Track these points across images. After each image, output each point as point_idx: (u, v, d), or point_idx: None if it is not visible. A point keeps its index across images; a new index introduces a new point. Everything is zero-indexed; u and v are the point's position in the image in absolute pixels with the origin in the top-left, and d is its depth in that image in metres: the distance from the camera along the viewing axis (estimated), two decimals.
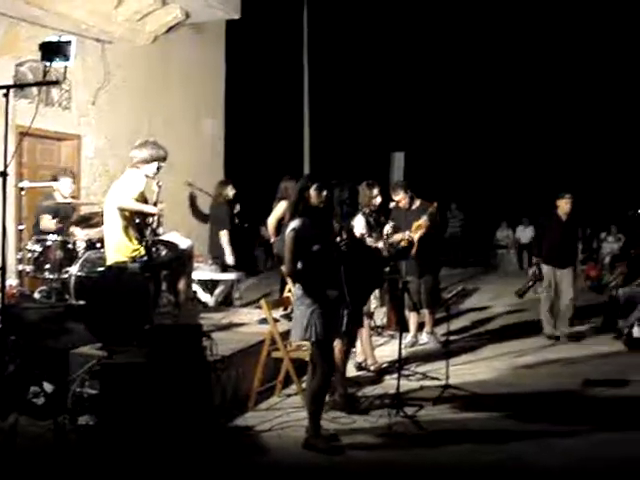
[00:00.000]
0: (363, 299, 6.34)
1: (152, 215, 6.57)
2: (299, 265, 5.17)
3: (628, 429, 5.75)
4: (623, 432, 5.67)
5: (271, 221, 8.94)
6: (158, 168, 6.58)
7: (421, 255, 8.68)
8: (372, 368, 7.49)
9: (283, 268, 8.41)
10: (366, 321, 7.37)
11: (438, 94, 24.68)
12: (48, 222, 7.66)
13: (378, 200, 8.29)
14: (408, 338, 8.88)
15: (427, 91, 24.59)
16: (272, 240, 9.60)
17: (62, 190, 7.87)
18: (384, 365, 7.64)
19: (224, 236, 9.76)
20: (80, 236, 7.69)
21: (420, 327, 9.20)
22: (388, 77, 24.50)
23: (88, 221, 7.66)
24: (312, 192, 5.29)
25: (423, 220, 8.66)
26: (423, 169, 15.05)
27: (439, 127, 24.84)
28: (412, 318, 9.03)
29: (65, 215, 7.90)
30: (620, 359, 8.16)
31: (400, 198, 8.93)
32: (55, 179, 7.98)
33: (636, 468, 4.95)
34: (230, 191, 10.04)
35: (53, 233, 7.50)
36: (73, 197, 8.22)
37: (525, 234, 21.54)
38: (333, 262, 5.28)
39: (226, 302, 9.73)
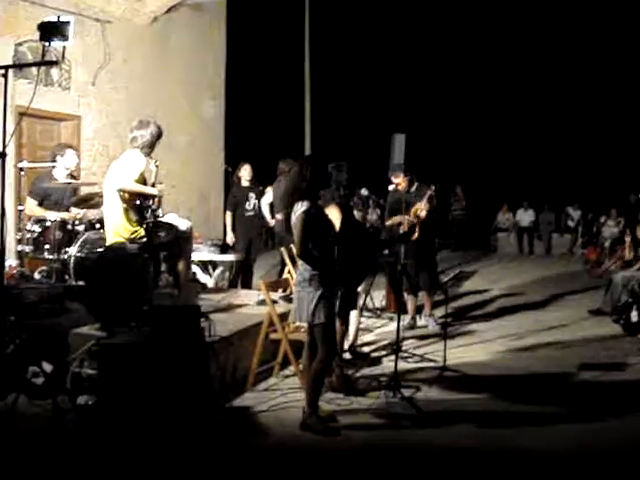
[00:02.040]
0: (357, 281, 6.39)
1: (153, 197, 6.57)
2: (309, 246, 5.20)
3: (625, 414, 5.78)
4: (621, 417, 5.70)
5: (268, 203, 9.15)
6: (155, 145, 6.59)
7: (419, 238, 8.69)
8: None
9: (282, 249, 8.48)
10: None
11: (440, 77, 24.63)
12: (33, 207, 7.60)
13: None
14: (406, 320, 8.90)
15: (429, 74, 24.53)
16: (270, 221, 9.74)
17: (67, 163, 7.79)
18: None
19: (227, 217, 10.04)
20: (78, 215, 7.68)
21: (419, 310, 9.23)
22: (390, 58, 24.43)
23: (87, 202, 7.65)
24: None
25: (423, 204, 8.66)
26: (425, 151, 15.02)
27: (441, 109, 24.77)
28: (410, 300, 9.05)
29: (61, 197, 7.82)
30: (618, 343, 8.19)
31: (399, 181, 8.92)
32: (54, 157, 7.88)
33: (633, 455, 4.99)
34: (243, 172, 10.15)
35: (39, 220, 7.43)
36: (73, 177, 8.13)
37: (525, 217, 21.59)
38: (333, 244, 5.34)
39: (232, 284, 9.79)
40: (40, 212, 7.51)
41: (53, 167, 7.79)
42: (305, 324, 5.41)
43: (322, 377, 5.38)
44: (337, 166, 6.39)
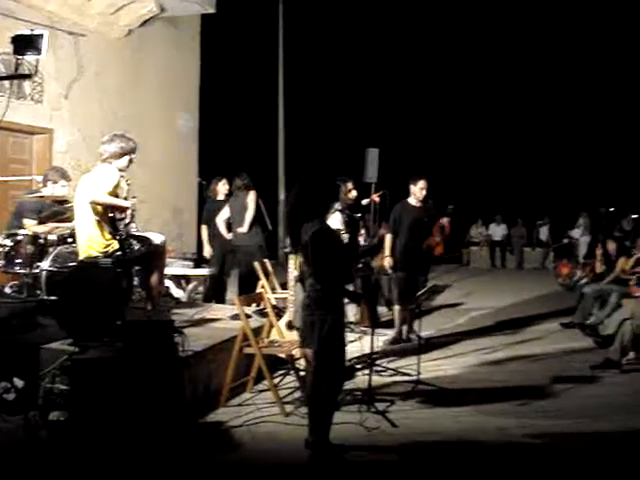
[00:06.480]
0: None
1: (125, 209, 6.53)
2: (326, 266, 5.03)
3: (597, 425, 5.84)
4: (594, 428, 5.76)
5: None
6: (130, 160, 6.54)
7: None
8: None
9: (256, 264, 8.49)
10: None
11: (414, 92, 24.81)
12: (35, 228, 7.52)
13: (354, 194, 8.56)
14: (391, 334, 8.93)
15: (403, 89, 24.70)
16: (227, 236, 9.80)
17: (56, 192, 7.68)
18: None
19: (202, 230, 10.14)
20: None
21: (391, 324, 9.25)
22: (364, 72, 24.57)
23: (59, 215, 7.58)
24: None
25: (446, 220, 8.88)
26: (398, 166, 15.10)
27: (414, 123, 24.95)
28: (396, 313, 9.03)
29: (49, 211, 7.75)
30: (589, 356, 8.24)
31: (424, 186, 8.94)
32: (46, 181, 7.74)
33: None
34: (221, 187, 10.24)
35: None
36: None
37: (498, 231, 21.74)
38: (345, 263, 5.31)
39: (205, 299, 9.77)
40: (42, 229, 7.43)
41: (44, 186, 7.67)
42: (278, 338, 5.34)
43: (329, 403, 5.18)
44: None
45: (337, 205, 7.48)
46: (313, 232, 4.98)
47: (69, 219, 7.31)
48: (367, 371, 6.48)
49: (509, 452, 5.26)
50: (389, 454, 5.23)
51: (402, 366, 7.53)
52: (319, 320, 4.97)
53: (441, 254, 8.98)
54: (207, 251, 10.16)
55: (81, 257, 6.46)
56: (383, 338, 8.74)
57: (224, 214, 9.87)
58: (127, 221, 6.58)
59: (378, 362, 7.50)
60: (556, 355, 8.45)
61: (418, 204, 8.96)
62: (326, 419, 5.08)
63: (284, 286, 8.21)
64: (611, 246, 10.55)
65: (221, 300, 9.83)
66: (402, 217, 8.94)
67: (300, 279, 6.01)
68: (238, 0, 16.86)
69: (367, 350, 6.74)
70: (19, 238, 7.19)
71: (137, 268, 6.90)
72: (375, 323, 7.87)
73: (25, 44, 5.55)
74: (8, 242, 7.20)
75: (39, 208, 7.58)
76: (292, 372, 6.76)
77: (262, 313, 7.30)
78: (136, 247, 6.63)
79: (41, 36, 5.56)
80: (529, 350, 8.68)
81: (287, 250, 7.21)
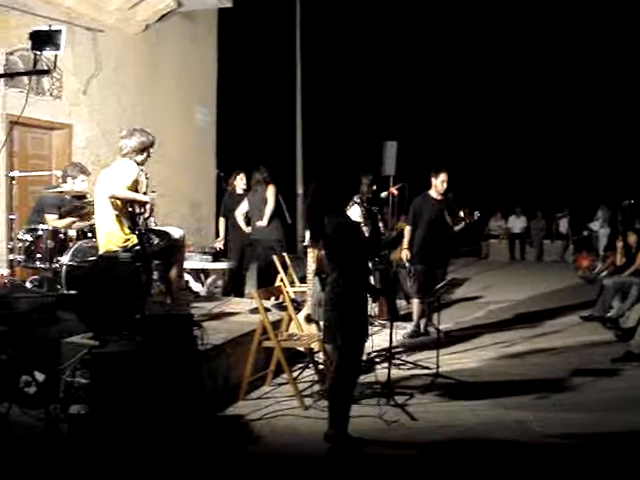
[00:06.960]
0: None
1: (145, 204, 6.54)
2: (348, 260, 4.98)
3: (617, 419, 5.80)
4: (614, 422, 5.72)
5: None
6: (148, 155, 6.55)
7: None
8: None
9: (275, 257, 8.51)
10: None
11: (432, 84, 24.71)
12: (55, 222, 7.55)
13: (373, 187, 8.61)
14: (409, 328, 8.90)
15: (421, 82, 24.60)
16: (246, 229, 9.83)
17: (76, 187, 7.71)
18: None
19: (220, 223, 10.19)
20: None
21: (408, 317, 9.23)
22: (382, 66, 24.47)
23: (79, 210, 7.62)
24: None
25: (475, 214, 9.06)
26: (417, 159, 15.07)
27: (433, 116, 24.84)
28: (415, 306, 9.01)
29: (70, 206, 7.80)
30: (609, 349, 8.19)
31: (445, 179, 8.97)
32: (66, 177, 7.76)
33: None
34: (239, 181, 10.27)
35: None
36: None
37: (517, 224, 21.64)
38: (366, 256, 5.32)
39: (224, 292, 9.80)
40: (63, 224, 7.47)
41: (63, 182, 7.70)
42: (296, 332, 5.34)
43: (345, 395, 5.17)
44: None
45: (356, 198, 7.50)
46: (335, 225, 4.93)
47: (89, 214, 7.35)
48: (386, 364, 6.49)
49: (527, 446, 5.23)
50: (408, 447, 5.23)
51: (421, 359, 7.53)
52: (341, 316, 4.93)
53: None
54: (218, 243, 10.18)
55: (101, 251, 6.49)
56: (402, 331, 8.73)
57: (243, 208, 9.90)
58: (146, 215, 6.59)
59: (397, 355, 7.51)
60: (576, 348, 8.40)
61: (439, 197, 8.96)
62: (345, 412, 5.08)
63: (303, 280, 8.24)
64: (632, 238, 10.46)
65: (240, 294, 9.86)
66: (422, 209, 8.94)
67: (318, 273, 6.02)
68: None
69: (386, 343, 6.74)
70: (39, 233, 7.24)
71: (156, 262, 6.93)
72: (394, 316, 7.86)
73: (43, 40, 5.56)
74: (28, 237, 7.25)
75: (59, 203, 7.62)
76: (311, 365, 6.77)
77: (281, 307, 7.31)
78: (155, 241, 6.64)
79: (59, 32, 5.57)
80: (549, 343, 8.64)
81: (306, 244, 7.22)
